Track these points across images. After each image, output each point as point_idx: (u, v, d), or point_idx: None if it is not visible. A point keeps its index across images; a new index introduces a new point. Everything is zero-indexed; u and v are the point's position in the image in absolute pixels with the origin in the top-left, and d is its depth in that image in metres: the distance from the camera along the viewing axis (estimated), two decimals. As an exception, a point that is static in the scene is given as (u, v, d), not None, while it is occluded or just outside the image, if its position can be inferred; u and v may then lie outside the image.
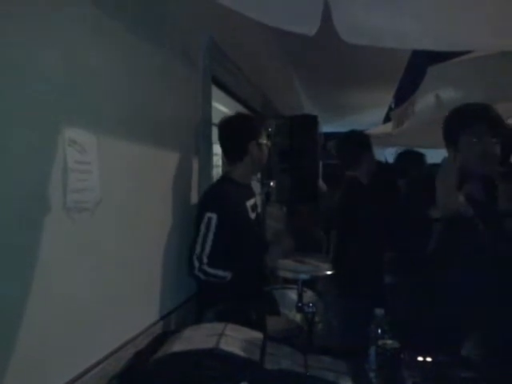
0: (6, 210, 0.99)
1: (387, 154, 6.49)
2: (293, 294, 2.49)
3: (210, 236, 1.83)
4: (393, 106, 7.59)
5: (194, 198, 2.15)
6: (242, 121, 2.10)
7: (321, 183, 3.02)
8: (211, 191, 2.02)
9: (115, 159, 1.43)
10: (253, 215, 2.08)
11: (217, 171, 2.96)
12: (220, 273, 1.84)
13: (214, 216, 1.84)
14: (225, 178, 2.12)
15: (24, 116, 1.05)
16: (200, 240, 1.84)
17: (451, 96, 3.21)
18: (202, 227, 1.85)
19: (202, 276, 1.83)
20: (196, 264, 1.82)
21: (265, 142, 2.08)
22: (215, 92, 2.53)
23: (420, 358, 1.48)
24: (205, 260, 1.82)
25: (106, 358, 1.34)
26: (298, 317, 2.32)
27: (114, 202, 1.41)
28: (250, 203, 2.07)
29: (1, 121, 0.98)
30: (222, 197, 1.94)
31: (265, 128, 2.15)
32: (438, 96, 3.27)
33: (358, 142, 2.81)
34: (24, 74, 1.05)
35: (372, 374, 1.37)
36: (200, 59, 2.23)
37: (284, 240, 2.22)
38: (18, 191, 1.03)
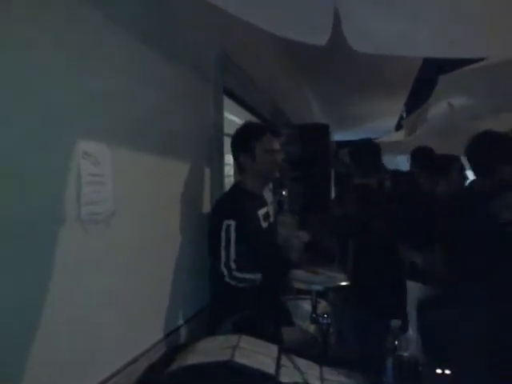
0: (21, 223, 0.99)
1: (399, 162, 6.46)
2: (306, 305, 2.47)
3: (233, 242, 1.82)
4: (404, 115, 7.57)
5: (207, 208, 2.15)
6: (235, 135, 2.08)
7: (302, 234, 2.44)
8: (225, 199, 2.02)
9: (129, 170, 1.43)
10: (265, 224, 2.06)
11: (229, 181, 2.96)
12: (250, 276, 1.83)
13: (232, 223, 1.83)
14: (236, 187, 2.12)
15: (38, 129, 1.05)
16: (223, 248, 1.82)
17: (463, 104, 3.19)
18: (223, 235, 1.83)
19: (233, 282, 1.81)
20: (225, 272, 1.81)
21: (260, 154, 2.01)
22: (227, 102, 2.54)
23: (439, 371, 1.45)
24: (233, 266, 1.81)
25: (120, 371, 1.33)
26: (311, 327, 2.29)
27: (127, 213, 1.41)
28: (261, 212, 2.06)
29: (16, 134, 0.99)
30: (236, 204, 1.93)
31: (269, 138, 2.06)
32: (450, 104, 3.25)
33: (375, 150, 2.82)
34: (37, 87, 1.06)
35: (389, 387, 1.35)
36: (211, 70, 2.24)
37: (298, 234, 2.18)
38: (33, 204, 1.03)
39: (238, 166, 2.09)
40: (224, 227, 1.83)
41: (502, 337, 1.82)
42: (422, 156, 3.43)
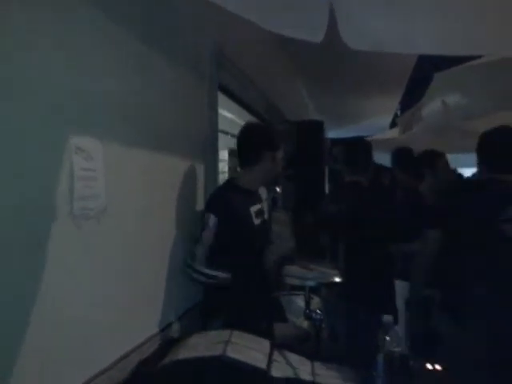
0: (13, 218, 0.99)
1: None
2: (299, 300, 2.48)
3: (207, 235, 1.83)
4: (398, 113, 7.59)
5: (200, 205, 2.15)
6: (265, 130, 2.13)
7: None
8: (213, 193, 2.04)
9: (121, 166, 1.43)
10: (257, 221, 2.06)
11: (223, 177, 2.96)
12: (218, 274, 1.81)
13: (211, 216, 1.84)
14: (229, 182, 2.12)
15: (32, 124, 1.05)
16: (196, 239, 1.84)
17: (458, 102, 3.20)
18: (200, 226, 1.85)
19: (195, 276, 1.81)
20: (189, 262, 1.82)
21: (280, 157, 2.08)
22: (222, 98, 2.54)
23: (429, 366, 1.46)
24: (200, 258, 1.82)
25: (111, 366, 1.34)
26: (305, 323, 2.30)
27: (119, 208, 1.41)
28: (254, 209, 2.06)
29: (9, 130, 0.99)
30: (222, 200, 1.93)
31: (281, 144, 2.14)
32: (444, 102, 3.26)
33: (368, 149, 2.85)
34: (31, 82, 1.05)
35: (380, 382, 1.36)
36: (206, 66, 2.24)
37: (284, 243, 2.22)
38: (26, 199, 1.03)
39: (247, 161, 2.06)
40: (204, 219, 1.84)
41: (502, 337, 1.82)
42: (401, 156, 3.48)
